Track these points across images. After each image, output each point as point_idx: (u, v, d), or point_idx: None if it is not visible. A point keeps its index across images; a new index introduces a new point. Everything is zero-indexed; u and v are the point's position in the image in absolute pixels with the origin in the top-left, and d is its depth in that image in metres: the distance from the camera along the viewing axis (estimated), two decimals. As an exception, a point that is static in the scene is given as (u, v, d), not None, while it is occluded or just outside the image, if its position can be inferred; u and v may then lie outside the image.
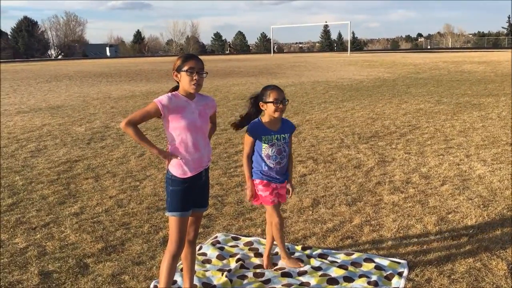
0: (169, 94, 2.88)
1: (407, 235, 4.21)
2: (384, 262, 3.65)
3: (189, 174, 2.93)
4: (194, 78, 2.84)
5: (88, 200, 5.26)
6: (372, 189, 5.46)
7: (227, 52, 79.60)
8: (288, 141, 3.48)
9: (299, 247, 3.96)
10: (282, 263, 3.68)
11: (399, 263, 3.63)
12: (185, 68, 2.83)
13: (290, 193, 3.64)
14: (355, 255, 3.78)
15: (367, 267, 3.59)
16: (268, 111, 3.34)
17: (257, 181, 3.44)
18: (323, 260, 3.71)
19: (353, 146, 7.52)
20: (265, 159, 3.38)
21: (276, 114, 3.33)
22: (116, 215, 4.80)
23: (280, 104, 3.30)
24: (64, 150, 7.63)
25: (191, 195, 2.98)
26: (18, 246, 4.11)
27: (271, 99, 3.30)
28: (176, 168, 2.92)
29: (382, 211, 4.78)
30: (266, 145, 3.36)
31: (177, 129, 2.88)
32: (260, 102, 3.36)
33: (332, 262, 3.67)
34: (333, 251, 3.89)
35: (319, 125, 9.33)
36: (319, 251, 3.89)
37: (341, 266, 3.59)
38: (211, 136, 3.22)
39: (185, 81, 2.85)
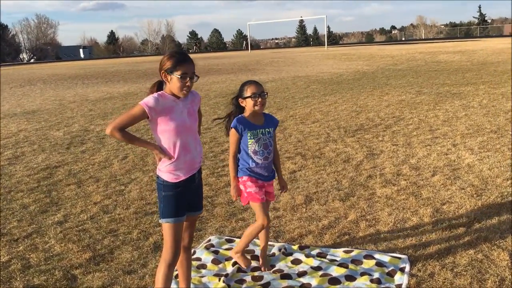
0: (155, 94, 2.70)
1: (404, 228, 4.13)
2: (385, 258, 3.56)
3: (182, 178, 2.78)
4: (186, 84, 2.69)
5: (72, 207, 5.05)
6: (364, 183, 5.38)
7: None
8: (273, 136, 3.39)
9: (296, 247, 3.83)
10: (233, 255, 3.59)
11: (400, 258, 3.54)
12: (178, 73, 2.65)
13: (285, 189, 3.57)
14: (355, 252, 3.68)
15: (368, 264, 3.49)
16: (248, 106, 3.25)
17: (244, 178, 3.32)
18: (322, 259, 3.60)
19: (340, 140, 7.44)
20: (252, 155, 3.28)
21: (256, 108, 3.23)
22: (102, 222, 4.60)
23: (259, 98, 3.21)
24: (43, 156, 7.36)
25: (184, 199, 2.83)
26: (0, 260, 3.88)
27: (249, 94, 3.22)
28: (168, 173, 2.77)
29: (376, 205, 4.69)
30: (252, 140, 3.26)
31: (166, 132, 2.72)
32: (239, 99, 3.28)
33: (332, 261, 3.56)
34: (331, 249, 3.78)
35: (304, 120, 9.24)
36: (317, 250, 3.77)
37: (341, 265, 3.49)
38: (200, 128, 3.06)
39: (175, 86, 2.68)
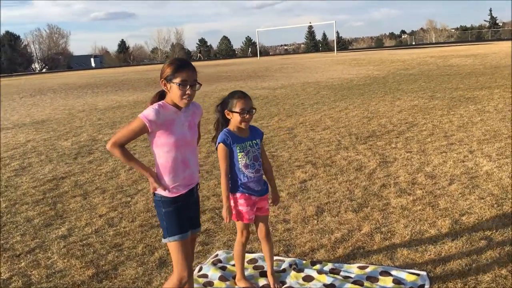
0: (156, 106, 2.54)
1: (422, 241, 3.92)
2: (402, 274, 3.35)
3: (181, 192, 2.64)
4: (186, 92, 2.53)
5: (77, 220, 4.91)
6: (378, 192, 5.17)
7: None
8: (260, 147, 3.21)
9: (307, 262, 3.65)
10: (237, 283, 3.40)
11: (418, 275, 3.34)
12: (177, 80, 2.50)
13: (277, 202, 3.40)
14: (370, 268, 3.48)
15: (384, 281, 3.29)
16: (234, 121, 3.06)
17: (237, 195, 3.14)
18: (336, 276, 3.41)
19: (351, 148, 7.24)
20: (243, 169, 3.10)
21: (243, 125, 3.05)
22: (107, 235, 4.45)
23: (247, 115, 3.02)
24: (50, 167, 7.26)
25: (186, 215, 2.68)
26: (1, 277, 3.75)
27: (237, 109, 3.01)
28: (166, 188, 2.63)
29: (391, 216, 4.49)
30: (242, 153, 3.08)
31: (165, 146, 2.58)
32: (226, 111, 3.07)
33: (346, 278, 3.37)
34: (345, 264, 3.59)
35: (314, 127, 9.05)
36: (329, 265, 3.58)
37: (356, 282, 3.29)
38: (197, 146, 2.88)
39: (175, 94, 2.54)
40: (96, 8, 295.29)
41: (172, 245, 2.62)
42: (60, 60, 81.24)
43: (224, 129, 3.10)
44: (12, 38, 75.79)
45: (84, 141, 9.24)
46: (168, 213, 2.61)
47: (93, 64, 76.03)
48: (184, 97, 2.54)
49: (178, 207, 2.63)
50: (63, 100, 18.06)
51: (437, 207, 4.65)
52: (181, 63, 2.55)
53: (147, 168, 2.66)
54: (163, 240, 2.66)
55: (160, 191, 2.63)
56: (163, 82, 2.56)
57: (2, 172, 7.15)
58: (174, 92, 2.54)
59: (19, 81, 36.33)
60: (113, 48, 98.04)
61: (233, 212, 3.14)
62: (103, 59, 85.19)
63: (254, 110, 3.07)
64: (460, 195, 4.92)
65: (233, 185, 3.13)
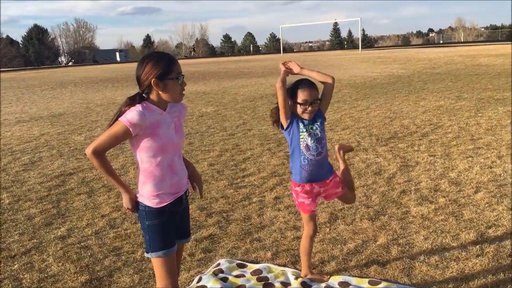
0: (139, 108, 2.30)
1: (443, 256, 3.57)
2: (420, 294, 3.03)
3: (167, 202, 2.39)
4: (183, 85, 2.37)
5: (78, 220, 4.71)
6: (397, 199, 4.83)
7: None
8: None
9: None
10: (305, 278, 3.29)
11: (438, 296, 3.01)
12: (173, 75, 2.31)
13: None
14: (383, 284, 3.16)
15: (399, 302, 2.97)
16: (296, 111, 3.15)
17: (297, 188, 3.05)
18: (346, 293, 3.10)
19: (371, 149, 6.88)
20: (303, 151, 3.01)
21: (305, 116, 3.13)
22: (106, 238, 4.23)
23: (309, 107, 3.13)
24: (60, 162, 7.10)
25: (173, 226, 2.45)
26: (-9, 280, 3.56)
27: (299, 100, 3.05)
28: (150, 197, 2.38)
29: (410, 227, 4.14)
30: (305, 134, 3.00)
31: (150, 151, 2.34)
32: (289, 99, 3.15)
33: (356, 296, 3.06)
34: (354, 278, 3.27)
35: (333, 127, 8.70)
36: (340, 278, 3.28)
37: (368, 301, 2.98)
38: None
39: (174, 91, 2.34)
40: (124, 2, 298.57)
41: (156, 261, 2.39)
42: (86, 54, 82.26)
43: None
44: (40, 32, 77.07)
45: (97, 136, 9.08)
46: (152, 226, 2.38)
47: (118, 59, 76.58)
48: (182, 91, 2.38)
49: (164, 220, 2.39)
50: (82, 93, 18.05)
51: (461, 217, 4.28)
52: (169, 56, 2.37)
53: (125, 186, 2.45)
54: (146, 255, 2.41)
55: (144, 200, 2.38)
56: (154, 82, 2.29)
57: (12, 166, 7.02)
58: (172, 89, 2.33)
59: (43, 74, 36.75)
60: (138, 42, 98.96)
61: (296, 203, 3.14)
62: (128, 54, 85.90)
63: (319, 101, 3.06)
64: (486, 205, 4.53)
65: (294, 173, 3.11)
